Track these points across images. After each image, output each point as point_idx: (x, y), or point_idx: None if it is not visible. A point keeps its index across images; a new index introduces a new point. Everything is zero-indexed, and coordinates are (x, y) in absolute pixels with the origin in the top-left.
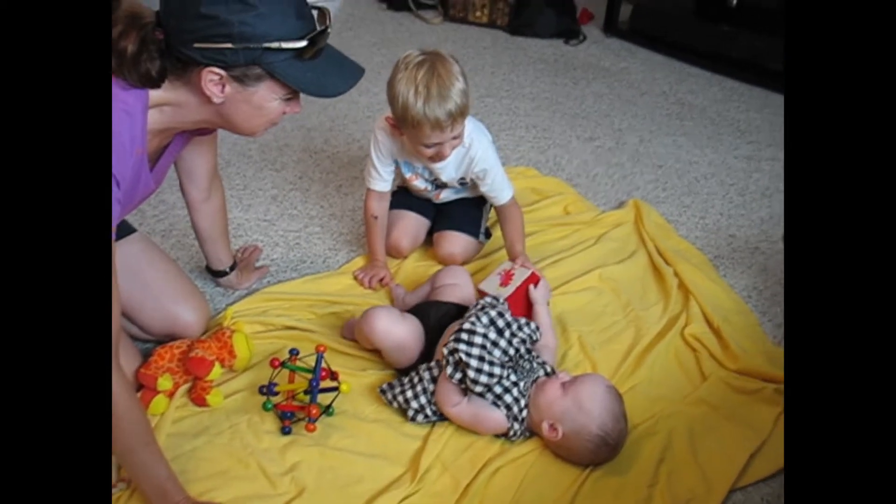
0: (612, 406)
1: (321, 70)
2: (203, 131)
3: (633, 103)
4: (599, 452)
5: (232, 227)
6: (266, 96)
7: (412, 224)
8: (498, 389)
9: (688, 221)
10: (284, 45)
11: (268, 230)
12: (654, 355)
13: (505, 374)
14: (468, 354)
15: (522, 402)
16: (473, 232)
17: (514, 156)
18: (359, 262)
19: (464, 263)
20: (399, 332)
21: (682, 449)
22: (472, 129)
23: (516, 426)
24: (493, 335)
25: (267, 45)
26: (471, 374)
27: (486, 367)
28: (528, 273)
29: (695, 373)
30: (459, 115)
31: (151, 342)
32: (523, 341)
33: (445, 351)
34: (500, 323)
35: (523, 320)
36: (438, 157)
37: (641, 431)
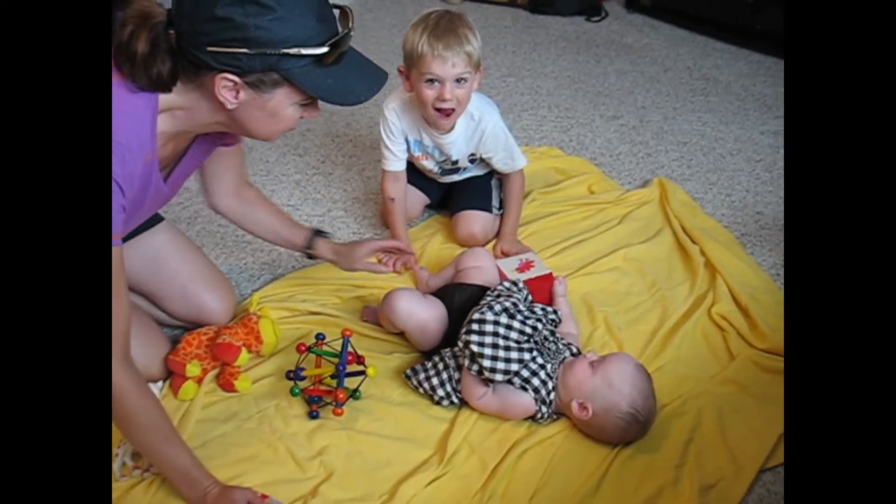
0: (642, 383)
1: (342, 76)
2: (226, 142)
3: (657, 80)
4: (630, 430)
5: None
6: (282, 103)
7: (410, 199)
8: (525, 373)
9: (714, 199)
10: (304, 51)
11: (292, 215)
12: (681, 335)
13: (528, 357)
14: (480, 345)
15: (550, 385)
16: (488, 206)
17: (536, 136)
18: None
19: (485, 242)
20: (421, 313)
21: (710, 429)
22: (480, 103)
23: (544, 409)
24: (504, 319)
25: (285, 50)
26: (486, 364)
27: (501, 354)
28: (547, 272)
29: (722, 352)
30: (467, 56)
31: (179, 328)
32: (540, 320)
33: (460, 343)
34: (512, 309)
35: (539, 305)
36: (439, 99)
37: (669, 412)
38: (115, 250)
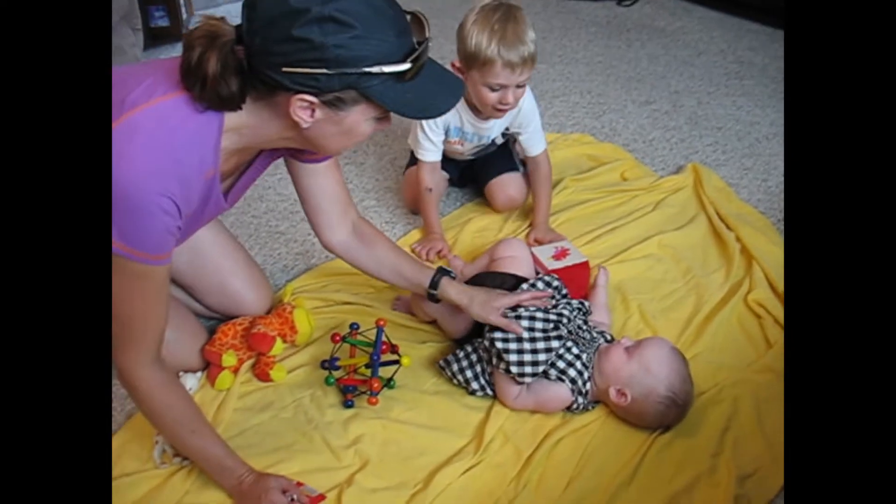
0: (679, 367)
1: (421, 89)
2: (313, 159)
3: (690, 64)
4: (668, 413)
5: (288, 203)
6: (358, 119)
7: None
8: (561, 364)
9: (749, 184)
10: (386, 68)
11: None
12: (717, 322)
13: (557, 344)
14: (505, 341)
15: (586, 375)
16: (515, 167)
17: (568, 122)
18: (415, 234)
19: (523, 201)
20: None
21: (747, 418)
22: None
23: (580, 399)
24: (526, 312)
25: (366, 69)
26: (512, 361)
27: (527, 347)
28: (583, 259)
29: (759, 340)
30: (531, 60)
31: (216, 319)
32: (567, 307)
33: (486, 342)
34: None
35: (564, 301)
36: (501, 102)
37: (705, 400)
38: (161, 269)
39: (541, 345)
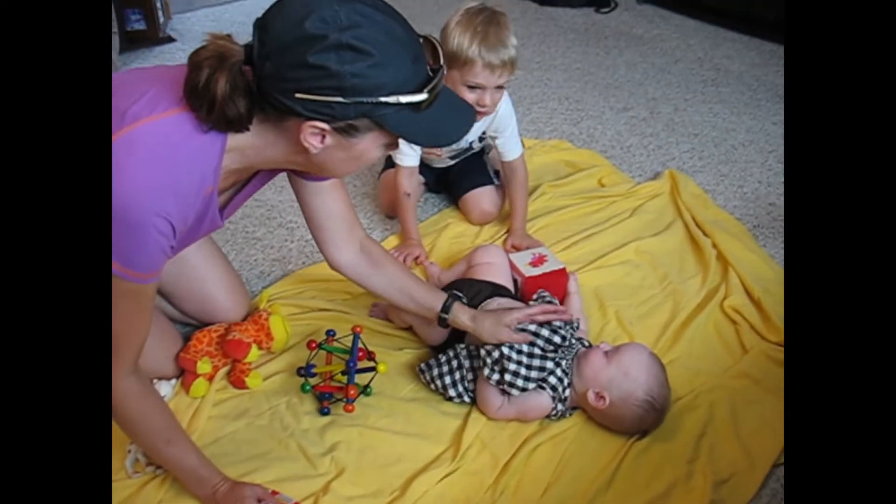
0: (657, 372)
1: (435, 118)
2: (317, 177)
3: (667, 71)
4: (646, 418)
5: (265, 208)
6: (369, 147)
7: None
8: (544, 375)
9: (725, 191)
10: (403, 98)
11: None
12: (694, 328)
13: (552, 365)
14: (510, 348)
15: (566, 382)
16: (489, 180)
17: (546, 128)
18: (393, 241)
19: (497, 213)
20: None
21: (723, 423)
22: None
23: (560, 406)
24: (533, 327)
25: (384, 99)
26: (510, 368)
27: (525, 361)
28: (560, 266)
29: (735, 346)
30: (510, 64)
31: (191, 326)
32: (570, 332)
33: (483, 352)
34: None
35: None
36: (479, 104)
37: (682, 406)
38: (150, 286)
39: (536, 362)
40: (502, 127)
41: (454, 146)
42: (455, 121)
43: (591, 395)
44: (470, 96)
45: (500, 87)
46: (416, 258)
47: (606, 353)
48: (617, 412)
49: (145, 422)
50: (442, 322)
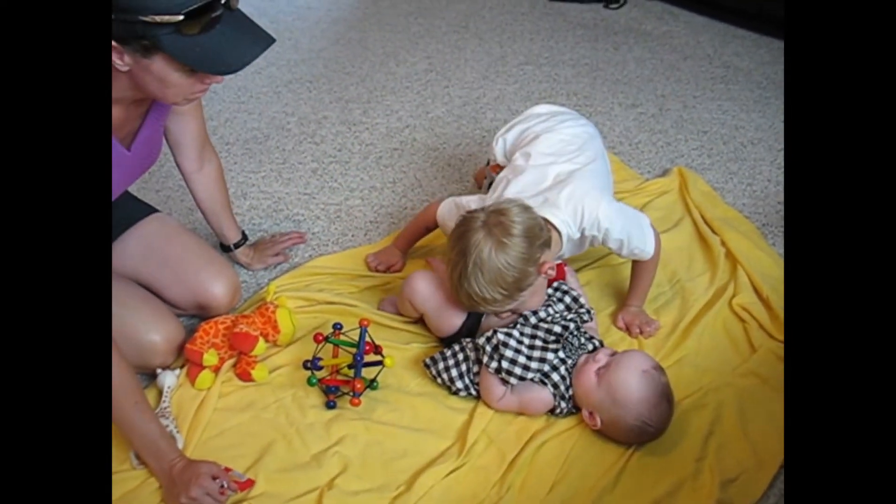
0: (648, 394)
1: (213, 43)
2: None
3: (677, 68)
4: (642, 436)
5: (272, 200)
6: (164, 69)
7: None
8: (546, 368)
9: (734, 189)
10: (158, 18)
11: (308, 203)
12: (702, 327)
13: (552, 356)
14: (507, 335)
15: (569, 380)
16: None
17: None
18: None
19: None
20: (441, 295)
21: (731, 422)
22: (579, 207)
23: (563, 404)
24: (534, 319)
25: (142, 18)
26: (507, 354)
27: (524, 350)
28: (558, 262)
29: (744, 344)
30: (484, 301)
31: (197, 317)
32: (574, 321)
33: (482, 339)
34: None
35: (575, 301)
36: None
37: (689, 404)
38: None
39: (537, 353)
40: (626, 242)
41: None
42: (238, 49)
43: (584, 414)
44: None
45: (497, 315)
46: (391, 267)
47: (599, 370)
48: (610, 432)
49: (117, 374)
50: (225, 249)
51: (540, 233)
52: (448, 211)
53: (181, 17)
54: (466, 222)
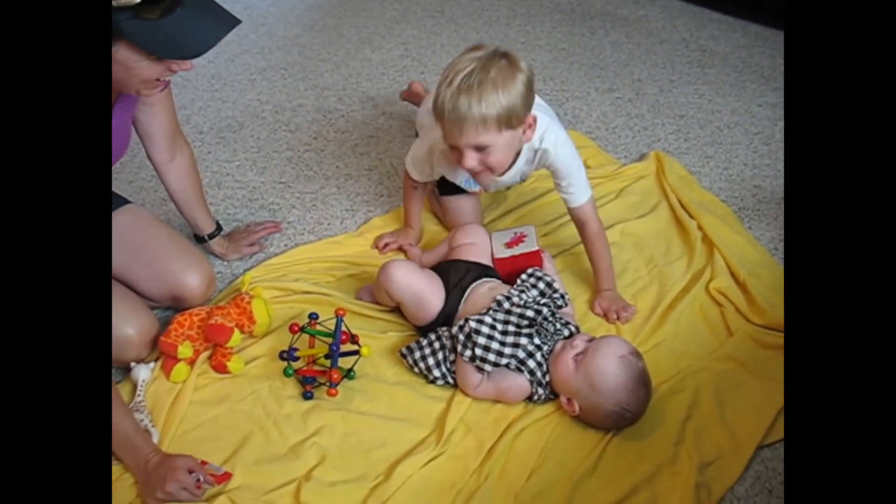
0: (626, 380)
1: (173, 27)
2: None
3: (653, 52)
4: (621, 421)
5: (247, 190)
6: (129, 57)
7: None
8: (521, 354)
9: (711, 173)
10: (115, 3)
11: (284, 192)
12: (679, 311)
13: (526, 341)
14: (479, 322)
15: (546, 367)
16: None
17: None
18: (376, 222)
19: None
20: (418, 283)
21: (708, 406)
22: (545, 123)
23: (540, 391)
24: (507, 304)
25: None
26: (480, 341)
27: (497, 337)
28: (534, 249)
29: (721, 328)
30: (480, 120)
31: (172, 309)
32: (547, 305)
33: (455, 328)
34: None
35: (548, 285)
36: (461, 163)
37: (667, 389)
38: None
39: (510, 339)
40: (565, 172)
41: (497, 187)
42: (200, 32)
43: (563, 400)
44: (454, 154)
45: (480, 149)
46: (400, 247)
47: (576, 356)
48: (588, 418)
49: None
50: (200, 240)
51: (531, 93)
52: (418, 156)
53: (139, 0)
54: (477, 47)
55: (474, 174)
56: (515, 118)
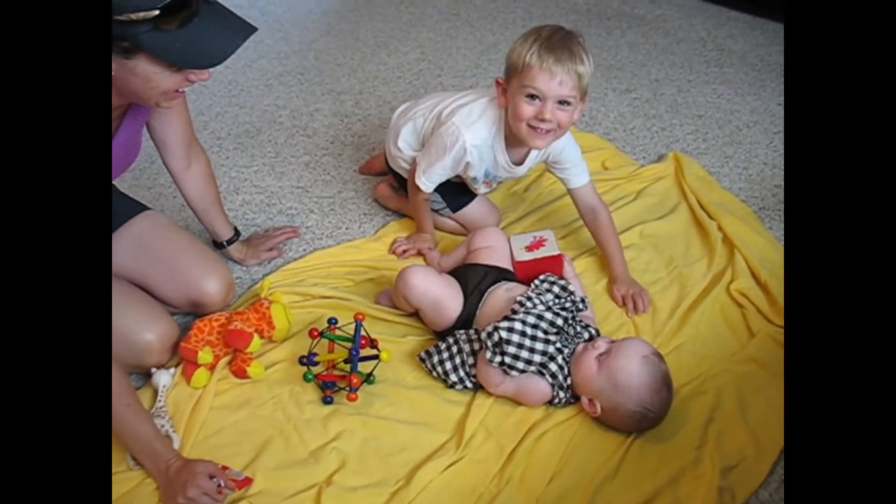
0: (649, 380)
1: (192, 38)
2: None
3: (670, 52)
4: (643, 423)
5: (265, 195)
6: (149, 69)
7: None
8: (545, 359)
9: (731, 173)
10: (134, 16)
11: (301, 197)
12: (700, 313)
13: (553, 349)
14: (510, 331)
15: (567, 370)
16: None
17: None
18: (394, 226)
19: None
20: (437, 289)
21: (730, 408)
22: None
23: (561, 394)
24: (537, 310)
25: (119, 18)
26: (510, 350)
27: (527, 344)
28: (556, 252)
29: (742, 330)
30: (576, 76)
31: (192, 315)
32: (572, 312)
33: (484, 334)
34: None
35: (567, 288)
36: (538, 117)
37: (688, 392)
38: None
39: (539, 345)
40: (565, 160)
41: (500, 177)
42: (218, 41)
43: (584, 401)
44: (528, 108)
45: (564, 104)
46: (419, 252)
47: (599, 356)
48: (610, 419)
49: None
50: (218, 246)
51: None
52: (436, 162)
53: (157, 12)
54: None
55: (537, 135)
56: (588, 89)
